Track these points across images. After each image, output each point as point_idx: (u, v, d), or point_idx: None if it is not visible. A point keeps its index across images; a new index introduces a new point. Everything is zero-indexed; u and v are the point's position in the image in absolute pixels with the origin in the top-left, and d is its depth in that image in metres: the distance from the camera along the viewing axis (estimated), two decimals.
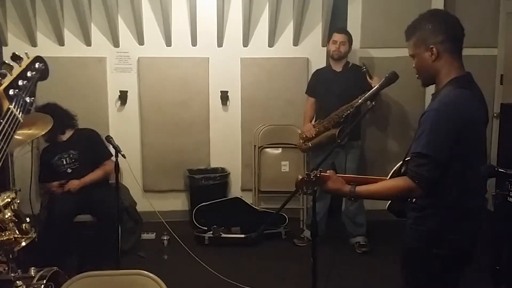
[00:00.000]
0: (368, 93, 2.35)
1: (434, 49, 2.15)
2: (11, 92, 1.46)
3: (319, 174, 2.23)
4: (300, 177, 2.29)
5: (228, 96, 5.17)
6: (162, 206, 4.85)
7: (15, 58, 1.56)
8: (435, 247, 2.19)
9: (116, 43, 5.00)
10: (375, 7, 5.02)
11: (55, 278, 2.43)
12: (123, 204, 4.24)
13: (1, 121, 1.39)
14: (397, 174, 2.35)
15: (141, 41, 5.02)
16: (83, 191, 4.03)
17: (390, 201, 2.46)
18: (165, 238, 4.42)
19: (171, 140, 5.16)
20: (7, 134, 1.38)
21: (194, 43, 5.06)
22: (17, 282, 2.23)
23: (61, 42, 4.93)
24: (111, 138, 3.81)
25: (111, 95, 5.09)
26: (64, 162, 4.14)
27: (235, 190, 5.28)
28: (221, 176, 5.08)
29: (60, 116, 4.12)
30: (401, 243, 2.36)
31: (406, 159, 2.38)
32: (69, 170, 4.14)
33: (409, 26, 2.29)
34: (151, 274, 2.01)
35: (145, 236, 4.72)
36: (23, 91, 1.51)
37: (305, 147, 4.65)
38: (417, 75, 2.30)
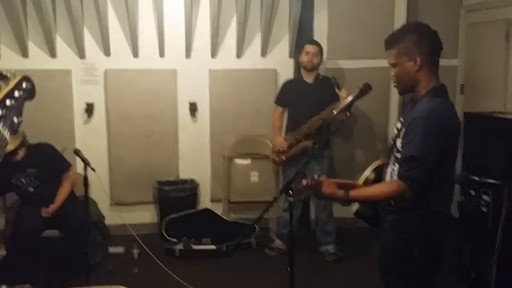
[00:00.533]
0: (344, 104, 2.40)
1: (418, 59, 2.24)
2: None
3: (317, 179, 2.27)
4: (305, 182, 2.29)
5: (196, 107, 5.16)
6: (131, 219, 4.78)
7: (2, 77, 1.54)
8: (414, 248, 2.27)
9: (82, 55, 4.93)
10: (341, 18, 5.11)
11: None
12: (92, 218, 4.16)
13: None
14: (372, 181, 2.41)
15: (107, 53, 4.97)
16: (44, 205, 3.93)
17: (357, 207, 2.52)
18: (135, 252, 4.36)
19: (140, 152, 5.11)
20: None
21: (162, 54, 5.03)
22: None
23: (25, 54, 4.83)
24: (79, 151, 3.76)
25: (77, 108, 5.01)
26: (24, 182, 3.97)
27: (204, 201, 5.26)
28: (191, 188, 5.06)
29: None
30: (370, 249, 2.44)
31: (378, 164, 2.46)
32: (30, 189, 3.97)
33: (392, 36, 2.38)
34: None
35: (113, 249, 4.64)
36: (10, 111, 1.48)
37: (280, 161, 4.66)
38: (395, 84, 2.39)
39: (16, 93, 1.53)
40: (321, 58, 4.58)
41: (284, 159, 4.59)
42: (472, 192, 3.65)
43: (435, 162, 2.18)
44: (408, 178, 2.18)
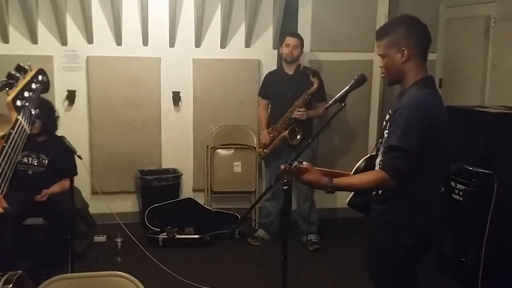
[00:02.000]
0: (338, 95, 2.44)
1: (405, 51, 2.30)
2: (18, 103, 1.44)
3: (299, 166, 2.29)
4: (283, 166, 2.32)
5: (180, 96, 5.15)
6: (112, 208, 4.74)
7: (20, 69, 1.53)
8: (402, 237, 2.33)
9: (64, 41, 4.86)
10: (324, 11, 5.16)
11: (19, 282, 2.36)
12: (76, 206, 4.12)
13: (11, 131, 1.36)
14: (362, 170, 2.47)
15: (90, 40, 4.90)
16: (33, 193, 3.87)
17: (350, 196, 2.58)
18: (119, 240, 4.35)
19: (122, 141, 5.08)
20: (16, 145, 1.35)
21: (145, 42, 5.00)
22: None
23: (5, 39, 4.73)
24: (65, 138, 3.71)
25: (58, 95, 4.93)
26: (29, 162, 3.92)
27: (187, 191, 5.26)
28: (173, 177, 5.05)
29: (52, 120, 4.00)
30: (350, 240, 2.50)
31: (371, 155, 2.52)
32: (30, 172, 3.92)
33: (382, 27, 2.45)
34: (128, 275, 2.00)
35: (96, 238, 4.62)
36: (29, 103, 1.48)
37: (263, 155, 4.73)
38: (383, 74, 2.44)
39: (33, 85, 1.54)
40: (302, 50, 4.62)
41: (268, 152, 4.63)
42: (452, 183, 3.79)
43: (418, 151, 2.20)
44: (390, 168, 2.22)
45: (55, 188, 3.94)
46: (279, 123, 4.53)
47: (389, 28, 2.40)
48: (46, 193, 3.87)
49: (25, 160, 3.92)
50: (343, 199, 2.65)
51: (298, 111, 4.43)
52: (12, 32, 4.75)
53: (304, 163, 2.35)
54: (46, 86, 1.63)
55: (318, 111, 4.57)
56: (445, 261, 3.95)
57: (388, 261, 2.43)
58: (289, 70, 4.61)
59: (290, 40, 4.54)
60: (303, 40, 4.62)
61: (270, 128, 4.64)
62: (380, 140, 2.44)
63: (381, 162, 2.31)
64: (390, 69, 2.38)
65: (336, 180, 2.31)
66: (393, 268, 2.43)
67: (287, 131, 4.46)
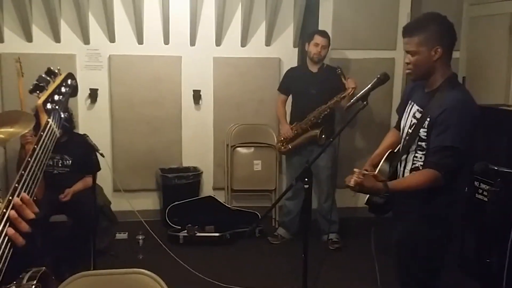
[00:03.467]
0: (360, 93, 2.43)
1: (439, 49, 2.31)
2: (48, 106, 1.46)
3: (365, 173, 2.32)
4: (357, 178, 2.30)
5: (200, 95, 5.16)
6: (134, 205, 4.79)
7: (50, 73, 1.56)
8: (435, 229, 2.40)
9: (86, 40, 4.91)
10: (346, 9, 5.13)
11: (43, 279, 2.39)
12: (98, 203, 4.17)
13: (42, 133, 1.37)
14: (391, 173, 2.47)
15: (112, 39, 4.95)
16: (57, 191, 3.93)
17: (368, 196, 2.56)
18: (140, 238, 4.39)
19: (143, 139, 5.11)
20: (46, 148, 1.36)
21: (166, 41, 5.03)
22: None
23: (29, 38, 4.80)
24: (88, 136, 3.75)
25: (80, 93, 4.96)
26: (53, 163, 3.99)
27: (207, 189, 5.28)
28: (194, 175, 5.07)
29: (70, 116, 3.99)
30: (371, 239, 2.54)
31: (389, 152, 2.52)
32: (55, 172, 3.99)
33: (413, 24, 2.47)
34: (150, 273, 2.01)
35: (117, 235, 4.67)
36: (58, 106, 1.50)
37: (285, 150, 4.69)
38: (408, 70, 2.45)
39: (63, 89, 1.56)
40: (328, 50, 4.59)
41: (290, 147, 4.62)
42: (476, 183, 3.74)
43: (468, 150, 2.27)
44: (443, 167, 2.27)
45: (78, 185, 4.00)
46: (304, 121, 4.51)
47: (421, 26, 2.40)
48: (69, 192, 3.92)
49: (50, 162, 3.98)
50: (364, 198, 2.64)
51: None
52: (36, 31, 4.82)
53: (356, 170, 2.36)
54: (75, 90, 1.66)
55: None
56: (468, 262, 3.89)
57: (422, 255, 2.48)
58: (313, 68, 4.58)
59: (319, 39, 4.48)
60: (330, 39, 4.58)
61: (294, 124, 4.62)
62: (412, 137, 2.42)
63: (429, 161, 2.34)
64: (420, 66, 2.39)
65: (392, 184, 2.36)
66: (427, 261, 2.49)
67: (318, 130, 4.43)
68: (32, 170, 1.28)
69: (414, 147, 2.41)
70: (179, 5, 4.93)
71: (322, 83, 4.48)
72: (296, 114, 4.62)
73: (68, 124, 4.14)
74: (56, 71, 1.59)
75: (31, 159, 1.29)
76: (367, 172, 2.35)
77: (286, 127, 4.64)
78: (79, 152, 3.98)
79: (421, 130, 2.37)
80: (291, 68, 4.83)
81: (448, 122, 2.27)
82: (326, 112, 4.40)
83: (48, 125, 1.41)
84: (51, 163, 3.99)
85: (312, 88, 4.50)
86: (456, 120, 2.26)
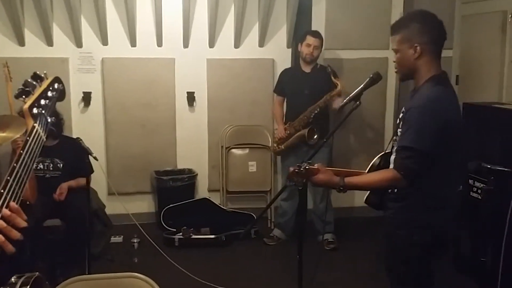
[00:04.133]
0: (353, 93, 2.43)
1: (418, 48, 2.29)
2: (35, 110, 1.45)
3: (308, 167, 2.29)
4: (292, 168, 2.34)
5: (194, 97, 5.15)
6: (128, 209, 4.77)
7: (36, 77, 1.55)
8: (416, 235, 2.31)
9: (79, 44, 4.90)
10: (338, 8, 5.13)
11: (36, 284, 2.37)
12: (92, 207, 4.16)
13: (28, 138, 1.37)
14: (376, 168, 2.45)
15: (105, 42, 4.93)
16: (51, 195, 3.91)
17: (368, 194, 2.56)
18: (136, 241, 4.37)
19: (137, 142, 5.10)
20: (33, 152, 1.36)
21: (159, 43, 5.01)
22: None
23: (21, 42, 4.78)
24: (81, 140, 3.74)
25: (74, 96, 4.96)
26: (44, 168, 3.98)
27: (202, 191, 5.27)
28: (189, 177, 5.06)
29: (58, 120, 3.99)
30: (367, 239, 2.50)
31: (385, 152, 2.50)
32: (47, 175, 3.98)
33: (397, 22, 2.43)
34: (144, 277, 2.00)
35: (112, 239, 4.65)
36: (45, 110, 1.49)
37: (279, 150, 4.70)
38: (396, 70, 2.44)
39: (49, 93, 1.55)
40: (321, 50, 4.60)
41: (283, 147, 4.62)
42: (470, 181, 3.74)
43: (431, 151, 2.19)
44: (402, 167, 2.21)
45: (71, 182, 4.00)
46: (297, 121, 4.51)
47: (403, 23, 2.38)
48: (62, 189, 3.92)
49: (40, 166, 3.98)
50: (360, 198, 2.64)
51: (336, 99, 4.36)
52: (28, 35, 4.80)
53: (316, 164, 2.35)
54: (62, 94, 1.65)
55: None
56: (463, 260, 3.90)
57: (402, 259, 2.42)
58: (306, 68, 4.58)
59: (311, 40, 4.48)
60: (323, 40, 4.58)
61: (287, 124, 4.62)
62: (394, 137, 2.42)
63: (393, 161, 2.31)
64: (402, 64, 2.37)
65: (348, 179, 2.32)
66: (408, 266, 2.42)
67: (306, 130, 4.44)
68: (18, 176, 1.28)
69: (395, 147, 2.38)
70: (172, 7, 4.92)
71: (315, 83, 4.49)
72: (291, 115, 4.62)
73: (56, 128, 4.13)
74: (43, 75, 1.58)
75: (17, 164, 1.29)
76: (306, 166, 2.32)
77: (280, 128, 4.65)
78: (70, 156, 3.98)
79: (399, 130, 2.33)
80: (285, 69, 4.84)
81: (410, 121, 2.22)
82: (316, 111, 4.41)
83: (34, 130, 1.41)
84: (42, 167, 3.99)
85: (306, 88, 4.51)
86: (417, 120, 2.20)
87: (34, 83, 1.53)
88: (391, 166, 2.40)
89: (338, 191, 2.37)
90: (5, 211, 1.21)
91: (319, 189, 4.60)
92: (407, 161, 2.20)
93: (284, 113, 4.76)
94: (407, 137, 2.20)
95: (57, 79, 1.62)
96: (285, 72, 4.78)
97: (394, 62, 2.42)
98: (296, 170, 2.30)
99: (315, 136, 4.45)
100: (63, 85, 1.65)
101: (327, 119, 4.63)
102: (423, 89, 2.30)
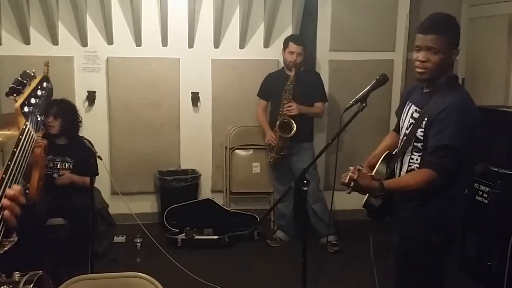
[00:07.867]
0: (359, 95, 2.42)
1: (459, 51, 2.30)
2: (26, 109, 1.45)
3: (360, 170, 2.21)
4: (351, 174, 2.18)
5: (199, 97, 5.14)
6: (132, 208, 4.76)
7: (26, 76, 1.54)
8: (434, 234, 2.31)
9: (84, 43, 4.89)
10: (344, 10, 5.11)
11: (40, 283, 2.36)
12: (96, 206, 4.15)
13: (20, 137, 1.36)
14: (389, 175, 2.43)
15: (110, 41, 4.93)
16: (55, 194, 3.90)
17: (366, 198, 2.52)
18: (138, 241, 4.36)
19: (141, 142, 5.09)
20: (25, 151, 1.36)
21: (164, 43, 5.01)
22: (3, 287, 2.15)
23: (26, 41, 4.78)
24: (86, 139, 3.74)
25: (78, 96, 4.97)
26: (54, 166, 3.99)
27: (205, 191, 5.26)
28: (192, 178, 5.05)
29: (75, 124, 4.08)
30: (370, 241, 2.50)
31: (386, 154, 2.48)
32: (55, 175, 3.98)
33: (440, 20, 2.32)
34: (148, 276, 1.99)
35: (115, 239, 4.64)
36: (35, 109, 1.49)
37: (274, 159, 4.63)
38: (422, 70, 2.31)
39: (39, 92, 1.55)
40: (304, 55, 4.53)
41: (276, 155, 4.59)
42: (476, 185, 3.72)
43: (467, 151, 2.23)
44: (441, 167, 2.22)
45: (76, 177, 3.99)
46: (276, 124, 4.50)
47: (450, 25, 2.32)
48: (66, 175, 3.94)
49: (50, 164, 3.96)
50: (362, 199, 2.61)
51: (287, 106, 4.38)
52: (33, 33, 4.80)
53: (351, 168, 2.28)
54: (50, 92, 1.64)
55: (313, 109, 4.54)
56: (468, 264, 3.87)
57: (420, 260, 2.41)
58: (290, 72, 4.54)
59: (294, 47, 4.45)
60: (305, 45, 4.55)
61: (273, 130, 4.59)
62: (409, 138, 2.38)
63: (425, 161, 2.29)
64: (440, 66, 2.27)
65: (387, 184, 2.29)
66: (425, 266, 2.41)
67: (276, 126, 4.45)
68: (12, 174, 1.28)
69: (410, 148, 2.36)
70: (177, 7, 4.91)
71: (298, 87, 4.43)
72: (274, 118, 4.57)
73: (74, 129, 4.14)
74: (32, 74, 1.57)
75: (11, 162, 1.29)
76: (362, 169, 2.25)
77: (270, 133, 4.61)
78: (79, 155, 3.99)
79: (419, 130, 2.32)
80: (270, 73, 4.80)
81: (448, 120, 2.22)
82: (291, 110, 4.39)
83: (27, 129, 1.40)
84: (51, 165, 3.98)
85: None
86: (456, 119, 2.21)
87: (24, 81, 1.52)
88: (405, 167, 2.37)
89: (375, 196, 2.32)
90: (9, 190, 1.28)
91: (312, 190, 4.52)
92: (446, 160, 2.21)
93: (269, 117, 4.73)
94: (445, 136, 2.21)
95: (45, 78, 1.62)
96: (269, 76, 4.75)
97: (423, 61, 2.28)
98: (353, 178, 2.17)
99: (293, 128, 4.39)
100: (51, 84, 1.64)
101: (311, 121, 4.66)
102: (445, 91, 2.30)
